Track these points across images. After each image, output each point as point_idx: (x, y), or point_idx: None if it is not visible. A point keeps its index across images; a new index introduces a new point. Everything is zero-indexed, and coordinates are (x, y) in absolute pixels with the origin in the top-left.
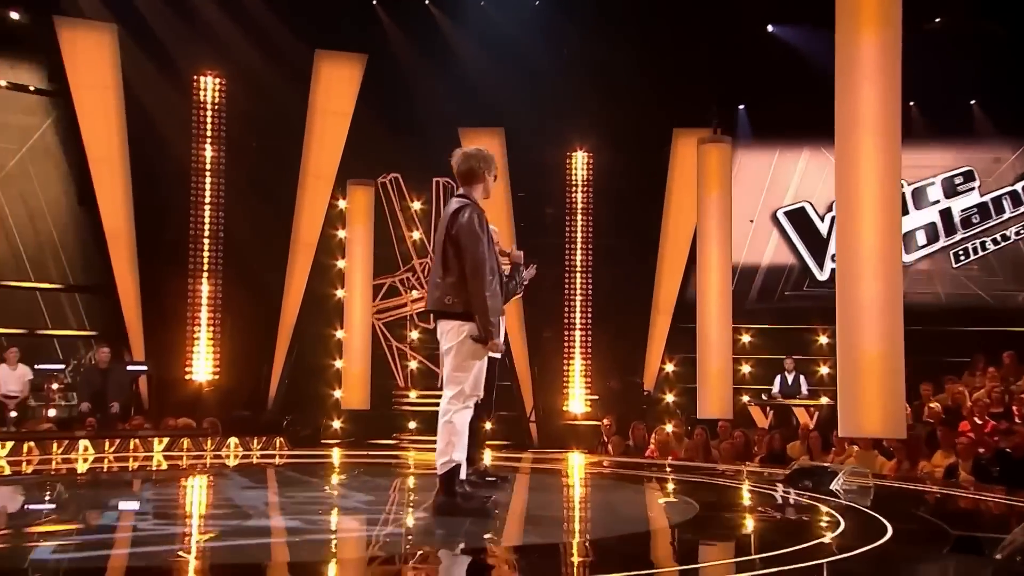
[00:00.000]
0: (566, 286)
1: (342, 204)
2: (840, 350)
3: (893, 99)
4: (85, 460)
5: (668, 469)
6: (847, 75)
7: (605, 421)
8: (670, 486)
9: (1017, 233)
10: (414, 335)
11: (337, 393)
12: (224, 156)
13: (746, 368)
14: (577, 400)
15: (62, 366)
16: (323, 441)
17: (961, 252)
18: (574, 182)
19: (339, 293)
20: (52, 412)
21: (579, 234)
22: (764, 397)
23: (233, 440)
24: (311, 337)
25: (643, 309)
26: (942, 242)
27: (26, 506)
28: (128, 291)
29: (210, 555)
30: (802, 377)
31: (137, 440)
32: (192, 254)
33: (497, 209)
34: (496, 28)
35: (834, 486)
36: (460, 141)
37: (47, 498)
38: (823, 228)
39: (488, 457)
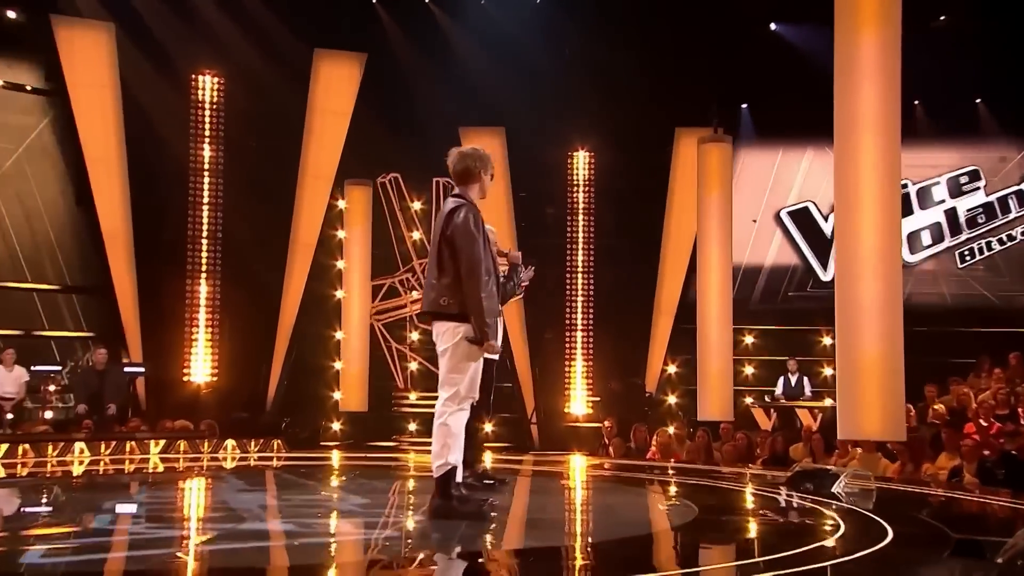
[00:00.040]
0: (567, 287)
1: (341, 204)
2: (839, 351)
3: (893, 98)
4: (81, 462)
5: (669, 472)
6: (846, 74)
7: (606, 423)
8: (670, 489)
9: (1023, 233)
10: (414, 336)
11: (336, 395)
12: (223, 156)
13: (749, 369)
14: (578, 402)
15: (59, 367)
16: (322, 443)
17: (967, 252)
18: (575, 182)
19: (338, 294)
20: (49, 414)
21: (580, 234)
22: (767, 399)
23: (230, 442)
24: (310, 338)
25: (645, 310)
26: (947, 242)
27: (20, 509)
28: (126, 292)
29: (202, 559)
30: (805, 379)
31: (133, 442)
32: (190, 255)
33: (498, 209)
34: (497, 27)
35: (835, 489)
36: (460, 141)
37: (41, 501)
38: (827, 228)
39: (489, 459)
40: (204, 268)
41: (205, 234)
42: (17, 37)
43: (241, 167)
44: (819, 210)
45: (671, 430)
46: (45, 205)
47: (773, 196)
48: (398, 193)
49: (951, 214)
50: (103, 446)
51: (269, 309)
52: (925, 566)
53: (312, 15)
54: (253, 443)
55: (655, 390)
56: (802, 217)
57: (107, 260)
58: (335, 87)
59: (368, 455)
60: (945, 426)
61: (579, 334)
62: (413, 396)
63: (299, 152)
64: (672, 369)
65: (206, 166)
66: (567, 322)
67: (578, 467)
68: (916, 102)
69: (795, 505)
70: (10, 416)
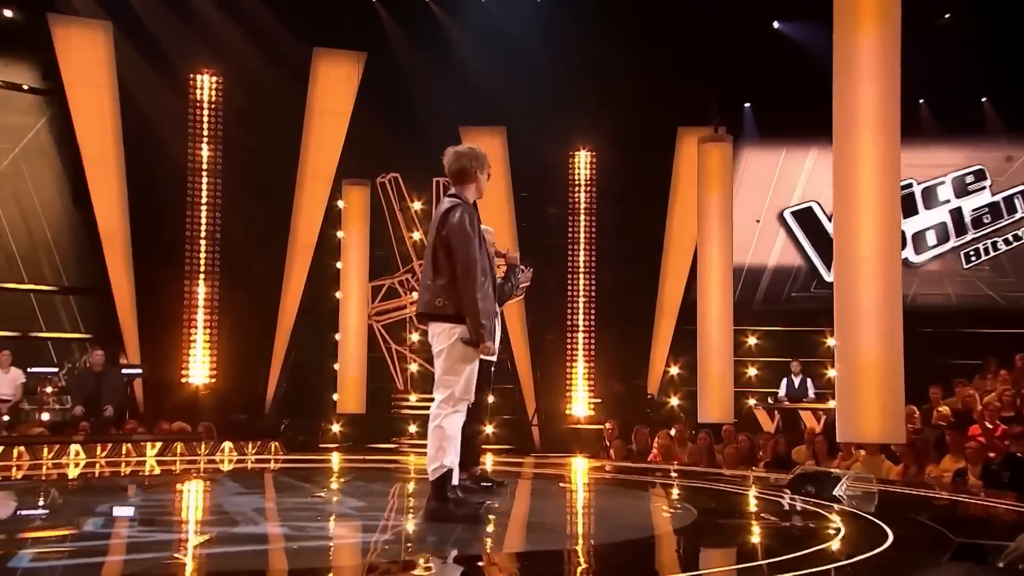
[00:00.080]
0: (569, 288)
1: (341, 205)
2: (838, 353)
3: (892, 96)
4: (77, 465)
5: (669, 474)
6: (845, 72)
7: (607, 425)
8: (670, 492)
9: None
10: (414, 337)
11: (336, 397)
12: (221, 156)
13: (752, 371)
14: (580, 403)
15: (56, 369)
16: (321, 445)
17: (972, 252)
18: (577, 182)
19: (338, 295)
20: (45, 416)
21: (582, 235)
22: (770, 400)
23: (227, 445)
24: (309, 340)
25: (647, 311)
26: (952, 242)
27: (13, 512)
28: (123, 293)
29: (194, 563)
30: (809, 380)
31: (130, 445)
32: (188, 255)
33: (499, 209)
34: (497, 25)
35: (837, 491)
36: (461, 140)
37: (34, 504)
38: (831, 228)
39: (489, 461)
40: (202, 269)
41: (203, 235)
42: (14, 36)
43: (240, 167)
44: (823, 210)
45: (672, 432)
46: (42, 205)
47: (776, 196)
48: (398, 193)
49: (956, 214)
50: (99, 448)
51: (268, 310)
52: (924, 570)
53: (311, 14)
54: (250, 445)
55: (657, 392)
56: (806, 217)
57: (104, 261)
58: (334, 86)
59: (367, 457)
60: (949, 428)
61: (580, 335)
62: (413, 398)
63: (298, 152)
64: (674, 371)
65: (204, 166)
66: (568, 323)
67: (578, 469)
68: (921, 101)
69: (795, 508)
70: (6, 418)
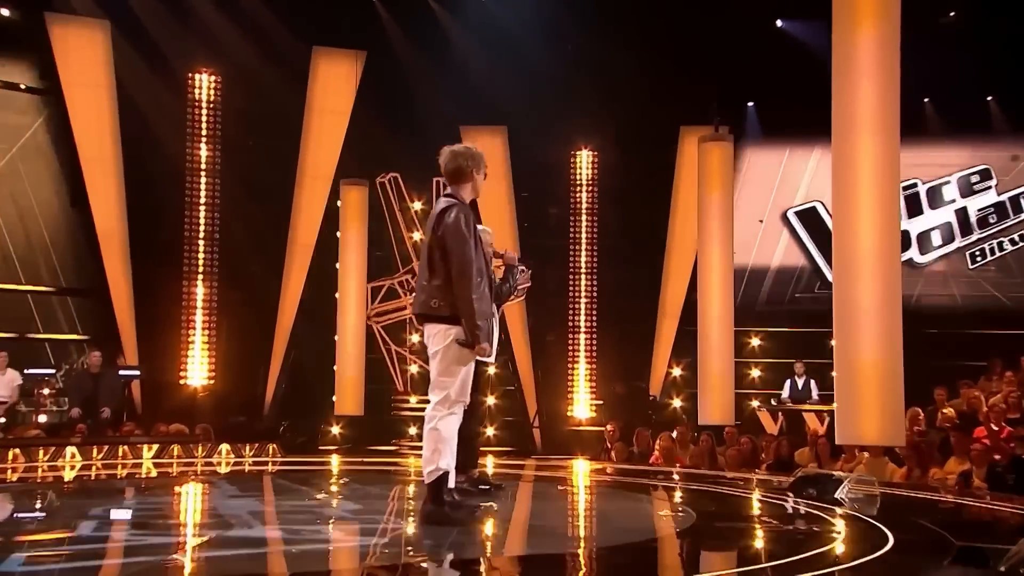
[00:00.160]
0: (570, 288)
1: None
2: (837, 355)
3: (892, 95)
4: (72, 467)
5: (670, 477)
6: (845, 71)
7: (608, 427)
8: (669, 495)
9: None
10: (414, 338)
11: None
12: (219, 156)
13: (755, 372)
14: (582, 405)
15: (53, 371)
16: (321, 447)
17: (978, 253)
18: (578, 182)
19: (338, 295)
20: (42, 418)
21: (584, 235)
22: (773, 402)
23: (224, 447)
24: (309, 341)
25: (649, 312)
26: (958, 242)
27: (6, 516)
28: (121, 294)
29: (186, 567)
30: (812, 381)
31: (126, 447)
32: (187, 256)
33: (500, 210)
34: (498, 24)
35: (839, 494)
36: (461, 140)
37: (26, 507)
38: None
39: (490, 463)
40: (201, 269)
41: (202, 235)
42: (11, 35)
43: (238, 167)
44: (827, 210)
45: (674, 434)
46: (39, 205)
47: (780, 196)
48: (398, 193)
49: (962, 214)
50: (95, 451)
51: (267, 311)
52: (924, 574)
53: (311, 13)
54: (248, 448)
55: (659, 393)
56: (809, 217)
57: (102, 261)
58: (334, 86)
59: (366, 459)
60: (954, 430)
61: (582, 336)
62: (413, 400)
63: (297, 152)
64: (677, 372)
65: (203, 166)
66: (570, 324)
67: (578, 472)
68: (926, 100)
69: (796, 511)
70: (2, 420)
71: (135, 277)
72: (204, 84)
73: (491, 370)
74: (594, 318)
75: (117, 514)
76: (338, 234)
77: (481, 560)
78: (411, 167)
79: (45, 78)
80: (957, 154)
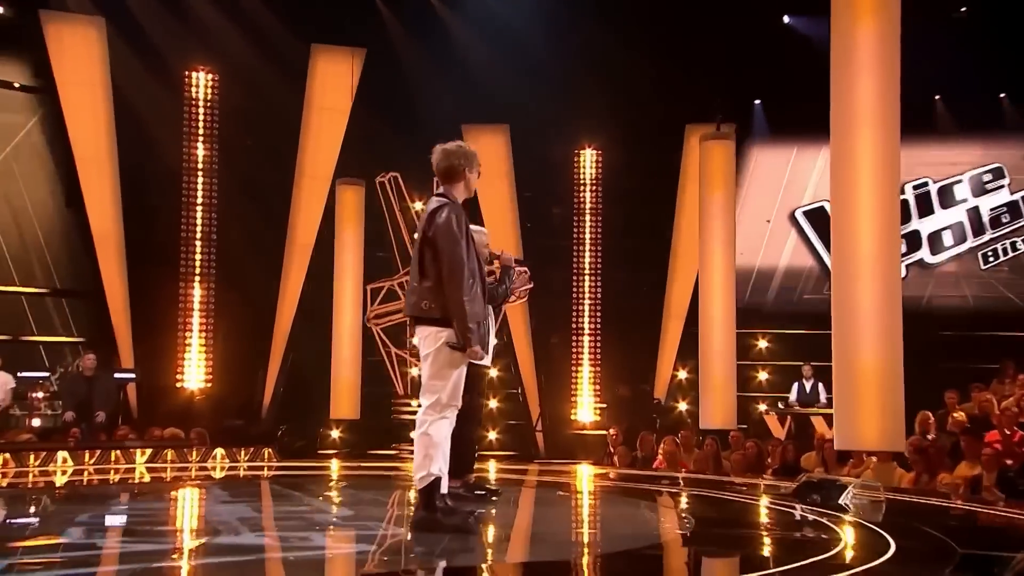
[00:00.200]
0: (574, 289)
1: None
2: (836, 357)
3: (892, 92)
4: (64, 472)
5: (673, 482)
6: (843, 68)
7: (611, 431)
8: (670, 500)
9: None
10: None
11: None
12: (217, 155)
13: (763, 375)
14: (586, 408)
15: (47, 374)
16: (320, 452)
17: (990, 253)
18: (582, 181)
19: (334, 297)
20: (36, 422)
21: (588, 235)
22: (780, 405)
23: (219, 451)
24: (308, 342)
25: (654, 313)
26: (970, 242)
27: None
28: (116, 295)
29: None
30: (820, 384)
31: (118, 452)
32: (183, 257)
33: (502, 209)
34: (500, 20)
35: (843, 500)
36: (463, 138)
37: (11, 513)
38: None
39: (492, 468)
40: (198, 271)
41: (199, 236)
42: (5, 33)
43: (236, 166)
44: None
45: (678, 438)
46: (34, 206)
47: (787, 195)
48: (398, 193)
49: (974, 213)
50: (87, 455)
51: (265, 313)
52: None
53: (309, 10)
54: (243, 452)
55: (664, 397)
56: (818, 217)
57: (98, 263)
58: (333, 84)
59: (364, 464)
60: (964, 434)
61: (586, 338)
62: (414, 403)
63: (296, 151)
64: (682, 375)
65: (200, 166)
66: (574, 326)
67: (579, 477)
68: (936, 97)
69: (798, 517)
70: None
71: (131, 278)
72: (201, 82)
73: (493, 373)
74: (598, 320)
75: (103, 520)
76: None
77: (472, 568)
78: (411, 166)
79: (40, 76)
80: (969, 152)
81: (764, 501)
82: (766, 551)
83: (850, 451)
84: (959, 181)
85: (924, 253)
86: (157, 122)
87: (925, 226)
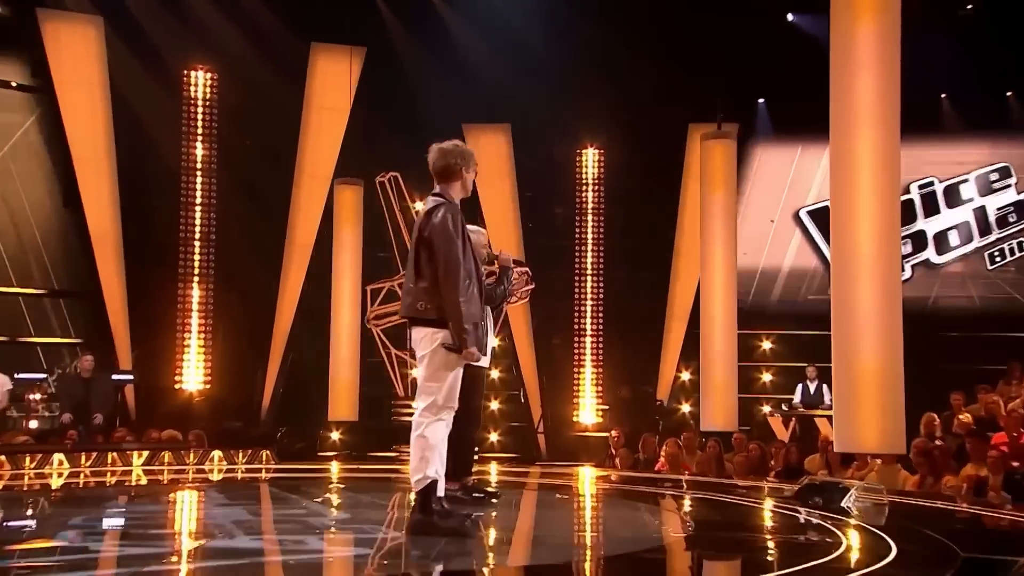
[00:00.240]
0: (576, 290)
1: None
2: (835, 359)
3: (892, 91)
4: (60, 475)
5: (674, 484)
6: (843, 67)
7: (613, 433)
8: (670, 503)
9: None
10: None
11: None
12: (215, 155)
13: (767, 376)
14: (588, 410)
15: (44, 375)
16: (320, 454)
17: (997, 253)
18: (584, 180)
19: (332, 297)
20: (33, 424)
21: (590, 235)
22: (784, 407)
23: (217, 453)
24: (307, 343)
25: (657, 314)
26: (976, 242)
27: None
28: (115, 296)
29: None
30: (825, 386)
31: (115, 454)
32: (182, 257)
33: (503, 209)
34: (501, 18)
35: (845, 503)
36: (464, 138)
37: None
38: None
39: (494, 470)
40: (196, 271)
41: (197, 236)
42: (2, 32)
43: (235, 166)
44: None
45: (680, 440)
46: (31, 206)
47: (792, 195)
48: (398, 193)
49: (980, 213)
50: (83, 458)
51: (264, 313)
52: None
53: (309, 8)
54: (241, 454)
55: (667, 398)
56: (822, 217)
57: (95, 263)
58: (332, 82)
59: (362, 466)
60: (970, 436)
61: (588, 339)
62: (414, 405)
63: (295, 150)
64: (685, 376)
65: (198, 165)
66: (576, 327)
67: (580, 479)
68: (943, 96)
69: (799, 521)
70: None
71: (129, 279)
72: (200, 81)
73: (495, 374)
74: (600, 321)
75: (97, 524)
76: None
77: (468, 572)
78: (412, 166)
79: (37, 76)
80: (975, 151)
81: (765, 504)
82: (765, 555)
83: (854, 453)
84: (965, 180)
85: (930, 253)
86: (156, 122)
87: (931, 226)
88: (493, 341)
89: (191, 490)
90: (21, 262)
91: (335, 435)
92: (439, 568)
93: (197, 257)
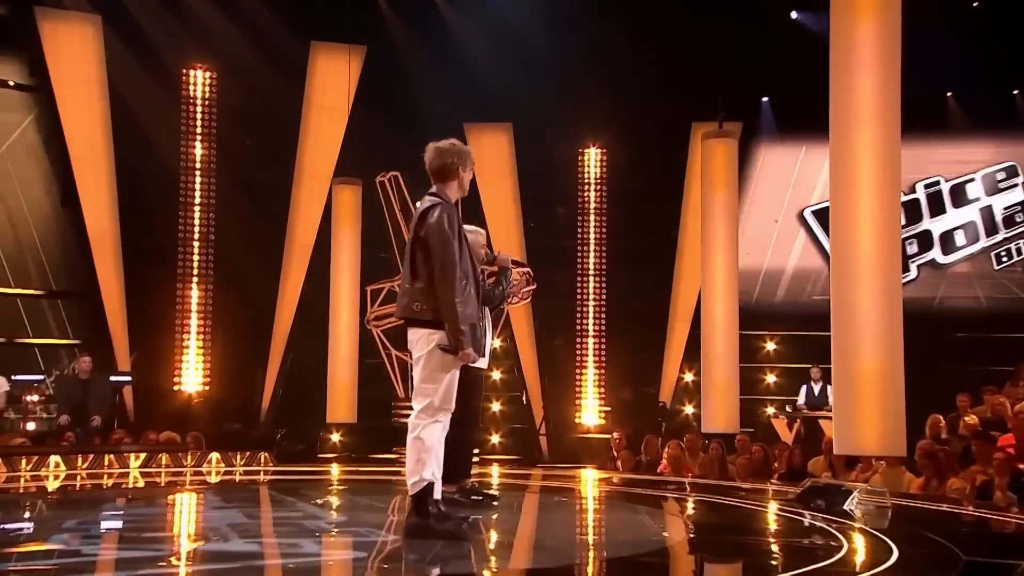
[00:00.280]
0: (578, 291)
1: None
2: (835, 360)
3: (892, 90)
4: (56, 477)
5: (675, 487)
6: (843, 66)
7: (615, 435)
8: (671, 506)
9: None
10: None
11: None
12: (215, 154)
13: (771, 378)
14: (590, 412)
15: (42, 377)
16: (320, 456)
17: (1003, 253)
18: (587, 180)
19: (330, 298)
20: (31, 426)
21: (592, 235)
22: (788, 409)
23: (215, 455)
24: (307, 344)
25: (660, 315)
26: (983, 242)
27: None
28: (113, 297)
29: None
30: (830, 388)
31: (112, 456)
32: (181, 258)
33: (505, 209)
34: (503, 16)
35: (848, 506)
36: (465, 137)
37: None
38: None
39: (495, 472)
40: (195, 272)
41: (196, 236)
42: (0, 30)
43: (234, 166)
44: None
45: (683, 442)
46: (29, 206)
47: (796, 194)
48: (398, 193)
49: (987, 213)
50: (80, 460)
51: (264, 314)
52: None
53: (308, 6)
54: (239, 456)
55: (670, 400)
56: (827, 216)
57: (93, 264)
58: (332, 82)
59: (362, 468)
60: (975, 438)
61: (590, 340)
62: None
63: (295, 150)
64: (689, 378)
65: (197, 165)
66: (578, 328)
67: (581, 482)
68: (948, 94)
69: (801, 524)
70: None
71: (127, 280)
72: (199, 81)
73: (496, 375)
74: (603, 321)
75: (90, 527)
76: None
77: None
78: (412, 166)
79: (35, 75)
80: (982, 150)
81: (767, 506)
82: (764, 558)
83: (858, 456)
84: (972, 180)
85: (936, 253)
86: (154, 121)
87: (937, 226)
88: (493, 342)
89: (187, 493)
90: (19, 262)
91: (335, 437)
92: (435, 571)
93: (196, 257)
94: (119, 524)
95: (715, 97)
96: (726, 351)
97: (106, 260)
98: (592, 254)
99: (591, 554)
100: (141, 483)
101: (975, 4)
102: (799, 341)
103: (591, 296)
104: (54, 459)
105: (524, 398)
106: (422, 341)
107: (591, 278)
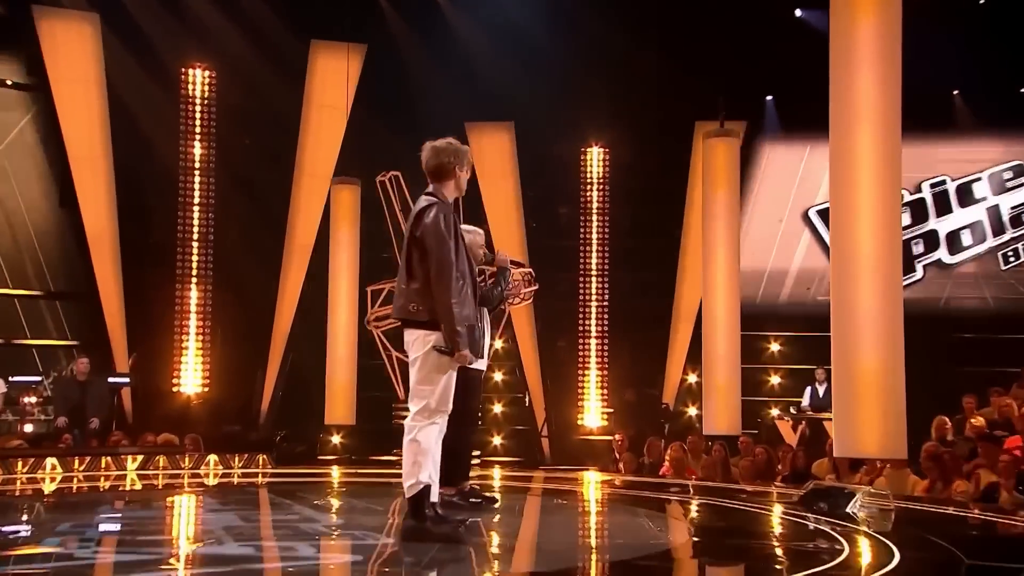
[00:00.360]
0: (581, 291)
1: None
2: (835, 361)
3: (893, 89)
4: (53, 480)
5: (677, 489)
6: (843, 65)
7: (617, 437)
8: (672, 508)
9: None
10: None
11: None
12: (214, 154)
13: (775, 379)
14: (592, 414)
15: (40, 378)
16: (320, 458)
17: (1011, 253)
18: (589, 180)
19: (329, 299)
20: (29, 427)
21: (595, 235)
22: (793, 410)
23: (212, 458)
24: (307, 345)
25: (663, 316)
26: (990, 242)
27: None
28: (111, 298)
29: None
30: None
31: (109, 459)
32: (180, 258)
33: (507, 209)
34: (505, 15)
35: (850, 509)
36: (466, 136)
37: None
38: None
39: (496, 474)
40: (194, 272)
41: (195, 236)
42: None
43: (233, 166)
44: None
45: (686, 444)
46: (27, 206)
47: (800, 194)
48: (399, 193)
49: (994, 212)
50: (77, 462)
51: (263, 315)
52: None
53: (308, 5)
54: (237, 458)
55: (673, 401)
56: None
57: (92, 264)
58: (332, 81)
59: (362, 471)
60: (981, 439)
61: (593, 342)
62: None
63: (295, 149)
64: (692, 379)
65: (196, 165)
66: (580, 329)
67: (582, 484)
68: (955, 92)
69: (803, 527)
70: None
71: (126, 280)
72: (198, 80)
73: (498, 377)
74: (605, 322)
75: (85, 530)
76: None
77: None
78: (413, 165)
79: (32, 74)
80: (988, 149)
81: (770, 509)
82: (765, 562)
83: (863, 458)
84: (978, 179)
85: (942, 253)
86: (153, 120)
87: (943, 225)
88: (494, 343)
89: (184, 495)
90: (16, 263)
91: (336, 439)
92: (431, 575)
93: (195, 258)
94: (115, 527)
95: (717, 96)
96: (727, 352)
97: (104, 260)
98: (595, 254)
99: (592, 557)
100: (138, 486)
101: (981, 2)
102: (803, 342)
103: (593, 297)
104: (51, 461)
105: (526, 400)
106: (418, 342)
107: (593, 278)
